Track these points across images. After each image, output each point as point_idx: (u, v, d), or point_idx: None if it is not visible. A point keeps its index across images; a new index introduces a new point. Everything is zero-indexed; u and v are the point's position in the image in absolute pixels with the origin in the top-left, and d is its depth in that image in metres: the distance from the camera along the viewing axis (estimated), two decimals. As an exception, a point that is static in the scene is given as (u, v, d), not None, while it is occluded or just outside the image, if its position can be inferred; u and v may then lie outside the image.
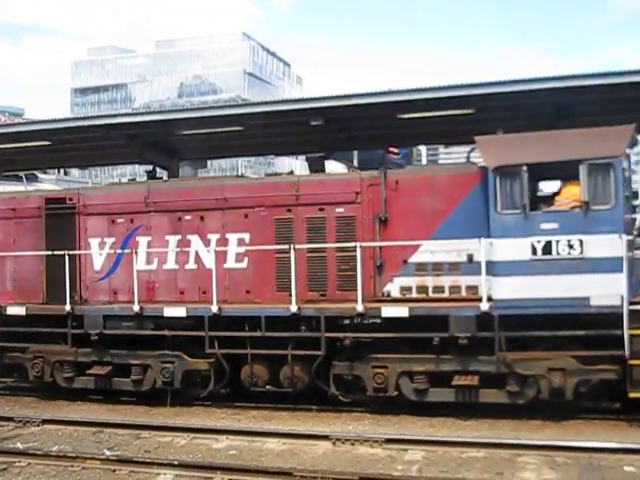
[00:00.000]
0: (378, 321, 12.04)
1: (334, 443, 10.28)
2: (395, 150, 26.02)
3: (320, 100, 14.12)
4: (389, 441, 10.16)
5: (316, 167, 13.70)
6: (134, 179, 19.38)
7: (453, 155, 42.64)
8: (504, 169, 11.32)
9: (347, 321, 12.29)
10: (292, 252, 12.25)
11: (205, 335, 12.70)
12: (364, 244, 12.04)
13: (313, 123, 14.36)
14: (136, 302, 13.09)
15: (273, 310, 12.46)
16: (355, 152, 21.97)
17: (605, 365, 11.06)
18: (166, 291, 13.44)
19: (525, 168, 11.17)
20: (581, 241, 10.96)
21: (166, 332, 13.07)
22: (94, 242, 14.07)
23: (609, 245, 10.82)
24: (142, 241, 13.75)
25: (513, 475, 8.85)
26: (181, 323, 13.05)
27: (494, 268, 11.31)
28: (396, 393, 12.02)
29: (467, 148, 13.14)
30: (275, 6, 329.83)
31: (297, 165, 75.76)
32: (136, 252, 13.30)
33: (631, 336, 10.65)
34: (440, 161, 54.76)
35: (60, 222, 14.21)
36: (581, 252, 10.95)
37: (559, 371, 11.18)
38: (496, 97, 13.52)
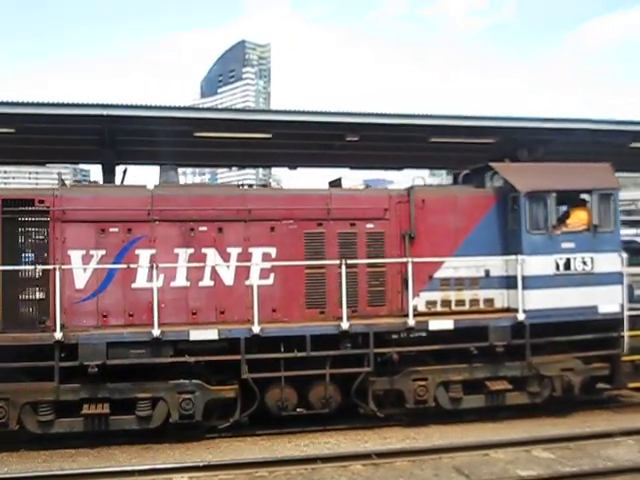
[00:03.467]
0: (423, 334, 12.38)
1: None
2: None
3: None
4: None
5: (335, 183, 13.36)
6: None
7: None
8: (535, 194, 12.71)
9: (395, 336, 12.35)
10: (343, 268, 11.90)
11: (242, 359, 11.49)
12: (416, 260, 12.29)
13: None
14: (156, 325, 11.19)
15: (321, 329, 11.90)
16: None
17: (600, 364, 13.20)
18: (174, 312, 11.72)
19: (554, 194, 12.74)
20: (592, 258, 12.92)
21: (193, 358, 11.41)
22: (76, 255, 11.53)
23: (612, 262, 12.99)
24: (144, 254, 11.76)
25: None
26: (203, 348, 11.57)
27: (525, 282, 12.60)
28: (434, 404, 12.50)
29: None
30: None
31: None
32: (157, 267, 11.36)
33: (629, 337, 12.98)
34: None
35: (25, 229, 11.37)
36: (592, 268, 12.90)
37: (569, 371, 12.96)
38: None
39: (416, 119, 16.74)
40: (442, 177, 70.42)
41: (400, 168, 23.21)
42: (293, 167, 21.88)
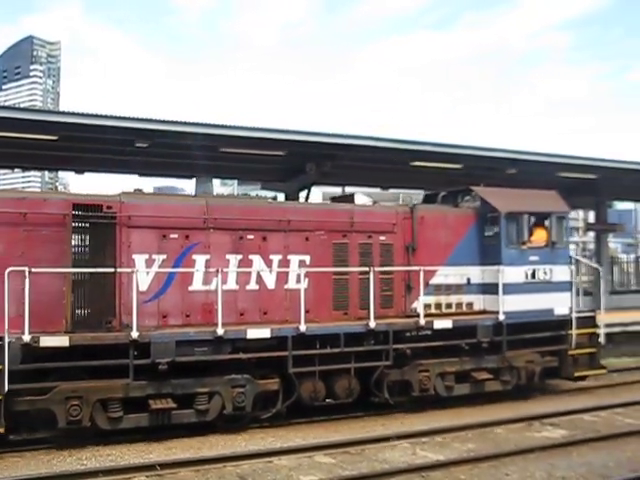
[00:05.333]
0: (429, 332, 14.37)
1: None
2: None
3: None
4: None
5: (346, 199, 14.94)
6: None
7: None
8: (511, 214, 15.23)
9: (409, 334, 14.20)
10: (372, 274, 13.60)
11: (289, 355, 12.79)
12: (426, 268, 14.29)
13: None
14: (220, 325, 12.18)
15: (352, 327, 13.51)
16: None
17: (550, 357, 16.00)
18: (226, 313, 12.64)
19: (526, 215, 15.35)
20: (551, 269, 15.70)
21: (248, 355, 12.52)
22: (140, 259, 12.20)
23: (564, 273, 15.88)
24: (199, 259, 12.68)
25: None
26: (254, 346, 12.71)
27: (504, 288, 15.04)
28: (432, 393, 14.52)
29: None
30: None
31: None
32: (223, 271, 12.33)
33: (576, 335, 15.90)
34: None
35: (94, 234, 11.83)
36: (550, 277, 15.68)
37: (531, 363, 15.61)
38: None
39: (207, 128, 17.64)
40: (234, 186, 72.82)
41: (191, 177, 23.88)
42: (80, 172, 22.16)
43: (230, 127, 18.09)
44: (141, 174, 23.08)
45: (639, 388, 17.20)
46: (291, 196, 23.75)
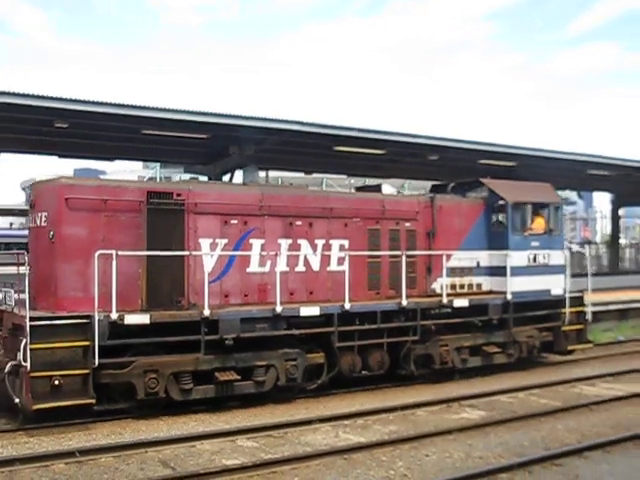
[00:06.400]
0: (449, 310, 15.85)
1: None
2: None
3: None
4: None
5: (374, 189, 16.19)
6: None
7: None
8: (517, 204, 16.86)
9: (433, 311, 15.64)
10: (403, 258, 14.96)
11: (335, 330, 14.03)
12: (449, 252, 15.78)
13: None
14: (278, 303, 13.30)
15: (388, 305, 14.87)
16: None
17: (546, 333, 17.79)
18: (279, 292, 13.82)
19: (530, 205, 17.01)
20: (548, 254, 17.45)
21: (301, 331, 13.68)
22: (205, 243, 13.15)
23: (560, 257, 17.67)
24: (256, 243, 13.72)
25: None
26: (304, 322, 13.86)
27: (510, 270, 16.67)
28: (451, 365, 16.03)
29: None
30: None
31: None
32: (278, 254, 13.45)
33: (570, 313, 17.74)
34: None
35: (165, 219, 12.68)
36: (548, 261, 17.43)
37: (531, 337, 17.35)
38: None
39: (129, 109, 17.46)
40: (156, 169, 72.85)
41: (113, 159, 24.59)
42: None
43: (152, 109, 17.92)
44: (61, 155, 23.04)
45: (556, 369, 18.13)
46: (214, 180, 23.25)
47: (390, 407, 13.07)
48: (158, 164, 69.76)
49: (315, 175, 34.50)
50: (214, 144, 21.78)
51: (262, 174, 30.40)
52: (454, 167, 27.33)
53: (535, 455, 10.05)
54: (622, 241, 54.33)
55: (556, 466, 9.69)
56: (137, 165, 75.82)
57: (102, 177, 14.21)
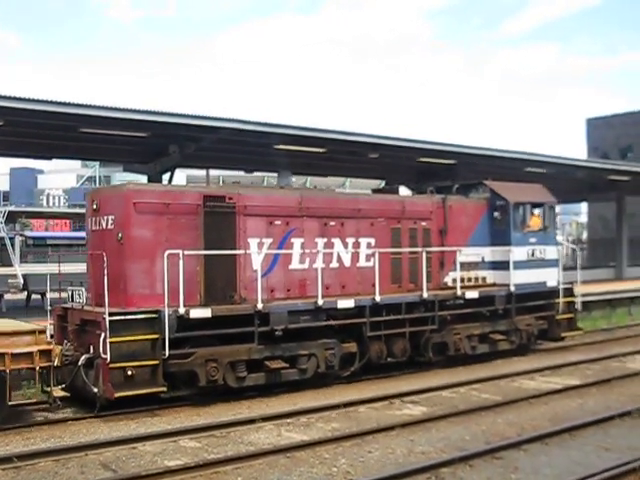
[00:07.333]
0: (461, 302, 17.30)
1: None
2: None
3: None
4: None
5: (392, 191, 17.52)
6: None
7: None
8: (518, 204, 18.44)
9: (448, 302, 17.05)
10: (424, 254, 16.35)
11: (367, 321, 15.32)
12: (461, 248, 17.20)
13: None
14: (320, 296, 14.52)
15: (411, 297, 16.25)
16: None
17: (542, 321, 19.44)
18: (315, 287, 14.95)
19: (529, 205, 18.62)
20: (544, 249, 19.11)
21: (339, 322, 14.93)
22: (253, 242, 14.26)
23: (553, 252, 19.36)
24: (296, 242, 14.90)
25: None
26: (341, 313, 15.10)
27: (513, 265, 18.24)
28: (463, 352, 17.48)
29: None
30: None
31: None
32: (321, 252, 14.64)
33: (563, 303, 19.44)
34: None
35: (219, 221, 13.74)
36: (544, 256, 19.08)
37: (530, 326, 18.97)
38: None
39: (66, 107, 17.19)
40: (95, 168, 72.47)
41: (50, 157, 24.52)
42: None
43: (90, 107, 17.76)
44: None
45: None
46: (153, 178, 23.67)
47: (332, 404, 13.21)
48: (97, 163, 69.34)
49: (257, 173, 34.77)
50: (153, 142, 21.65)
51: (202, 173, 30.20)
52: (394, 165, 28.13)
53: (476, 449, 10.14)
54: (559, 238, 56.79)
55: (496, 459, 9.83)
56: (76, 164, 75.01)
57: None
